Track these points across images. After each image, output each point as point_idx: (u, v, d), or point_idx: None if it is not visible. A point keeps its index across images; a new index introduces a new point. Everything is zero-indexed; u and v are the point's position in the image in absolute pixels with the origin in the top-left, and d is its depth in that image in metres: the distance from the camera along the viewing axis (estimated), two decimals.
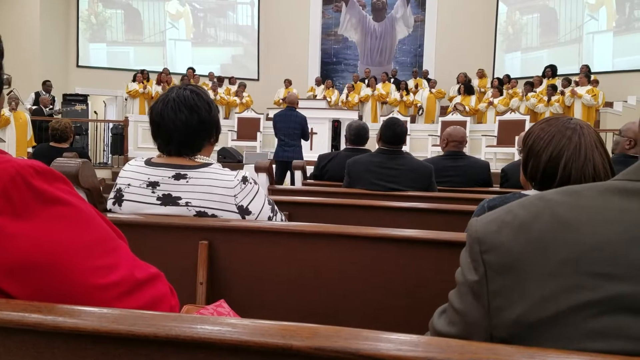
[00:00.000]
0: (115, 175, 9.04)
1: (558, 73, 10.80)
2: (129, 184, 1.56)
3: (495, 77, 11.82)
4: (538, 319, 0.54)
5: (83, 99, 11.93)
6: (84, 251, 0.72)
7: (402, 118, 10.44)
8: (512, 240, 0.59)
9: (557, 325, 0.54)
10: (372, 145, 3.47)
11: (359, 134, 3.92)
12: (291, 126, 6.67)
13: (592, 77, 9.87)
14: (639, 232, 0.53)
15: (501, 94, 10.72)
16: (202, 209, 1.51)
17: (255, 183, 1.60)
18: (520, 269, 0.57)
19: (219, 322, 0.59)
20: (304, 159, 5.61)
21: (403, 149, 3.26)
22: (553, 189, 0.63)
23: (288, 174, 6.59)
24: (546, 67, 10.97)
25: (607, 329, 0.51)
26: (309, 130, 7.09)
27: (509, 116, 9.94)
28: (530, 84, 10.41)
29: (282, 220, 1.71)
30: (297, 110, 6.81)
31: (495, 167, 9.05)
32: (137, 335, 0.60)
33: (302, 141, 6.84)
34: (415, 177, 3.06)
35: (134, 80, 11.54)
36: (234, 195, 1.52)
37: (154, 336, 0.59)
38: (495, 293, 0.58)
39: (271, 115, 8.21)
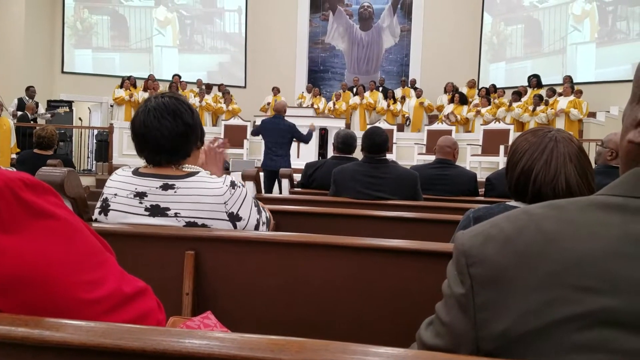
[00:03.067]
0: (99, 182, 8.95)
1: (543, 83, 10.94)
2: (115, 194, 1.54)
3: (482, 87, 11.94)
4: (523, 332, 0.55)
5: (68, 105, 11.82)
6: (72, 265, 0.71)
7: (388, 127, 10.55)
8: (498, 254, 0.60)
9: (543, 339, 0.54)
10: (360, 153, 3.48)
11: (346, 142, 3.93)
12: (279, 134, 6.62)
13: (576, 87, 10.02)
14: (622, 246, 0.54)
15: (489, 104, 10.84)
16: (192, 219, 1.50)
17: (243, 186, 1.60)
18: (505, 282, 0.58)
19: (207, 337, 0.59)
20: (292, 166, 5.61)
21: (389, 157, 3.29)
22: (538, 203, 0.64)
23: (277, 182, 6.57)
24: (531, 77, 11.10)
25: (592, 343, 0.52)
26: (307, 133, 7.00)
27: (493, 126, 10.05)
28: (518, 94, 10.53)
29: (267, 218, 1.70)
30: (285, 118, 6.77)
31: (480, 176, 9.11)
32: (124, 349, 0.60)
33: (290, 149, 6.81)
34: (400, 185, 3.07)
35: (121, 87, 11.46)
36: (224, 203, 1.52)
37: (142, 350, 0.59)
38: (482, 306, 0.59)
39: (259, 122, 8.18)
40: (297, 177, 4.20)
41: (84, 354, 0.62)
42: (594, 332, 0.52)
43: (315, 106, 11.61)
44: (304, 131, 7.02)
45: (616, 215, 0.57)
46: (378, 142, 3.14)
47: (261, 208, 1.69)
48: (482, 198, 3.60)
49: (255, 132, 7.05)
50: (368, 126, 11.08)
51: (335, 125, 9.06)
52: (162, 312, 0.87)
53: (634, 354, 0.51)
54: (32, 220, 0.69)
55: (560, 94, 9.96)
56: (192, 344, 0.58)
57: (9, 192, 0.68)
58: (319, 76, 14.27)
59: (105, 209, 1.55)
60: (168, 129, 1.50)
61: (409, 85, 12.52)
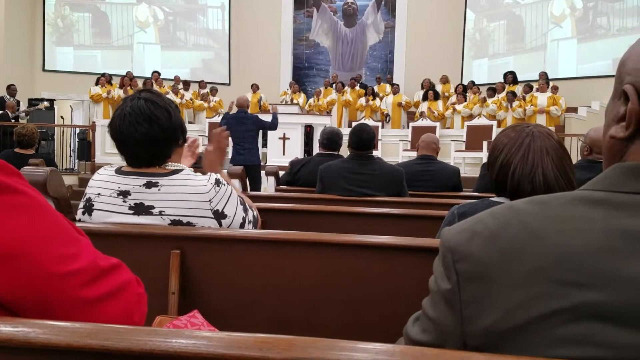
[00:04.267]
0: (82, 181, 8.84)
1: (524, 79, 11.05)
2: (99, 193, 1.53)
3: (459, 83, 12.02)
4: (509, 327, 0.56)
5: (50, 104, 11.65)
6: (45, 240, 0.71)
7: (374, 124, 10.57)
8: (483, 250, 0.60)
9: (528, 333, 0.55)
10: (346, 150, 3.50)
11: (332, 139, 3.93)
12: (244, 129, 6.63)
13: (551, 83, 10.14)
14: (606, 240, 0.55)
15: (465, 100, 10.92)
16: (177, 217, 1.49)
17: (227, 184, 1.59)
18: (491, 278, 0.58)
19: (195, 336, 0.59)
20: (277, 164, 5.59)
21: (374, 154, 3.30)
22: (523, 199, 0.65)
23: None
24: (507, 73, 11.20)
25: (577, 336, 0.53)
26: (272, 119, 6.95)
27: (476, 121, 10.14)
28: (493, 90, 10.64)
29: (254, 217, 1.69)
30: (249, 112, 6.75)
31: (464, 172, 9.19)
32: (110, 350, 0.60)
33: (272, 147, 6.79)
34: (387, 182, 3.10)
35: (96, 84, 11.32)
36: (209, 200, 1.51)
37: (128, 351, 0.59)
38: (468, 302, 0.59)
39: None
40: (283, 174, 4.20)
41: (70, 355, 0.61)
42: (579, 326, 0.53)
43: (295, 101, 11.60)
44: (290, 130, 7.02)
45: (599, 210, 0.58)
46: (365, 138, 3.15)
47: (248, 206, 1.68)
48: (467, 193, 3.63)
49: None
50: (344, 123, 11.13)
51: (320, 123, 9.05)
52: (142, 286, 0.86)
53: (620, 347, 0.51)
54: (1, 197, 0.69)
55: (537, 90, 10.09)
56: (180, 344, 0.58)
57: None
58: (304, 73, 14.25)
59: (89, 209, 1.54)
60: (144, 135, 1.48)
61: (385, 81, 12.56)
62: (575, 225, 0.57)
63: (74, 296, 0.73)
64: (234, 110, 7.06)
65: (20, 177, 0.74)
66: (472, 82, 11.71)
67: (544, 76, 10.42)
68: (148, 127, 1.48)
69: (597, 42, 11.29)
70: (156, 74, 12.06)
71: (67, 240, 0.75)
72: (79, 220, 1.55)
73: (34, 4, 12.88)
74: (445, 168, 3.80)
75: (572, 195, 0.61)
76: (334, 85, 12.28)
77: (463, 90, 11.25)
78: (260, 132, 7.43)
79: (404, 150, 10.12)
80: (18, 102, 10.30)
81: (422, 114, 10.96)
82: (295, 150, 8.81)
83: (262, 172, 5.69)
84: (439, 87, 11.99)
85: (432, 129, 9.72)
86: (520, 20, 12.53)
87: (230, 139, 6.84)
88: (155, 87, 10.82)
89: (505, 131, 1.51)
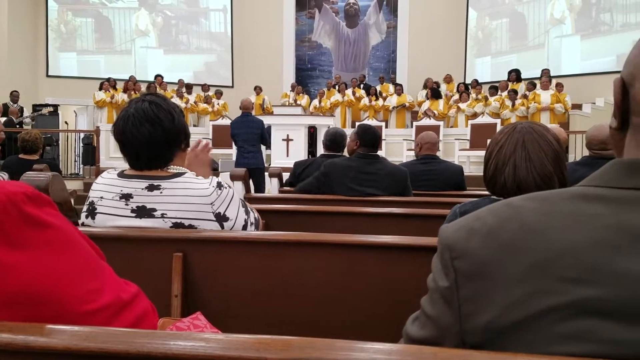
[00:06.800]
0: (87, 186, 8.87)
1: (528, 76, 11.01)
2: (101, 197, 1.53)
3: (461, 82, 11.98)
4: (508, 324, 0.55)
5: (53, 109, 11.70)
6: (75, 277, 0.72)
7: (376, 123, 10.56)
8: (481, 247, 0.60)
9: (527, 330, 0.54)
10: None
11: (335, 140, 3.93)
12: (249, 131, 6.65)
13: (555, 81, 10.10)
14: (605, 236, 0.55)
15: (468, 99, 10.89)
16: (179, 220, 1.49)
17: (229, 187, 1.59)
18: (489, 275, 0.58)
19: (192, 338, 0.59)
20: (281, 165, 5.59)
21: (379, 153, 3.32)
22: (521, 195, 0.65)
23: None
24: (510, 72, 11.17)
25: (576, 333, 0.52)
26: (270, 135, 7.03)
27: (480, 120, 10.11)
28: (495, 88, 10.60)
29: (256, 219, 1.69)
30: (254, 115, 6.80)
31: (469, 170, 9.17)
32: (109, 352, 0.60)
33: (276, 148, 6.82)
34: (392, 181, 3.11)
35: (100, 89, 11.36)
36: (211, 203, 1.51)
37: (126, 353, 0.59)
38: (466, 299, 0.59)
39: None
40: (286, 175, 4.20)
41: (69, 358, 0.61)
42: (578, 322, 0.52)
43: (299, 102, 11.60)
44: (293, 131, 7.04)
45: (598, 206, 0.57)
46: (371, 138, 3.18)
47: (249, 209, 1.68)
48: (470, 192, 3.63)
49: (232, 136, 7.05)
50: (348, 123, 11.12)
51: (324, 124, 9.04)
52: (156, 314, 0.87)
53: (619, 343, 0.51)
54: (36, 233, 0.69)
55: (540, 87, 10.06)
56: (177, 346, 0.58)
57: (13, 207, 0.67)
58: (307, 74, 14.25)
59: (92, 213, 1.54)
60: (146, 137, 1.48)
61: (389, 81, 12.55)
62: (574, 221, 0.57)
63: None
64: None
65: (51, 206, 0.74)
66: (476, 81, 11.69)
67: (547, 73, 10.39)
68: (151, 129, 1.48)
69: (600, 39, 11.24)
70: (159, 77, 12.09)
71: (93, 273, 0.75)
72: (82, 224, 1.56)
73: (37, 9, 12.94)
74: (449, 167, 3.81)
75: (571, 191, 0.61)
76: (337, 87, 12.28)
77: (465, 89, 11.22)
78: None
79: (408, 149, 10.09)
80: (21, 109, 10.35)
81: (425, 113, 10.94)
82: (299, 152, 8.80)
83: (266, 174, 5.71)
84: (443, 87, 11.97)
85: (436, 128, 9.70)
86: (522, 17, 12.49)
87: (233, 143, 6.88)
88: (160, 91, 10.85)
89: (500, 129, 1.54)
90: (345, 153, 3.86)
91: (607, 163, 0.62)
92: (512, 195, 1.42)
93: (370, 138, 3.18)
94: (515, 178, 1.40)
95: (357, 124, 7.19)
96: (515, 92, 10.10)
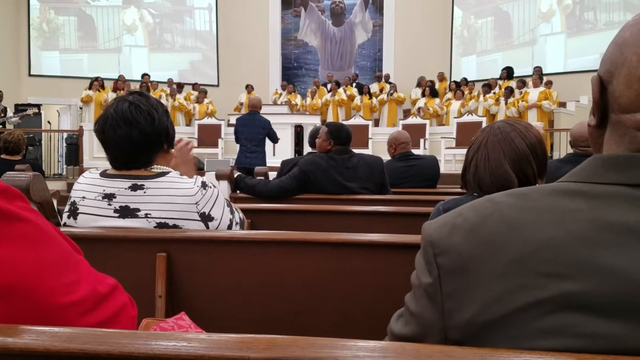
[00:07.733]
0: (70, 186, 8.74)
1: (513, 76, 11.11)
2: (83, 197, 1.51)
3: (452, 80, 12.06)
4: (489, 320, 0.56)
5: (36, 107, 11.54)
6: (49, 270, 0.71)
7: (364, 122, 10.60)
8: (463, 243, 0.60)
9: (508, 325, 0.55)
10: None
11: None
12: (255, 131, 6.52)
13: (545, 78, 10.20)
14: (584, 231, 0.55)
15: (463, 96, 10.96)
16: (163, 220, 1.48)
17: (214, 187, 1.58)
18: (471, 271, 0.58)
19: (175, 338, 0.58)
20: (268, 164, 5.58)
21: (365, 152, 3.35)
22: (503, 192, 0.65)
23: None
24: (503, 70, 11.28)
25: (557, 327, 0.53)
26: (276, 137, 6.96)
27: (466, 118, 10.18)
28: (488, 86, 10.68)
29: (241, 219, 1.69)
30: (260, 114, 6.70)
31: (455, 169, 9.24)
32: (89, 353, 0.59)
33: (265, 146, 6.75)
34: (371, 172, 3.19)
35: (89, 88, 11.24)
36: (196, 203, 1.50)
37: (107, 354, 0.58)
38: (449, 295, 0.59)
39: (233, 121, 8.05)
40: (273, 175, 4.18)
41: None
42: (559, 317, 0.53)
43: (293, 102, 11.58)
44: (280, 130, 6.99)
45: (579, 201, 0.58)
46: (345, 136, 3.24)
47: (234, 209, 1.67)
48: (453, 189, 3.68)
49: (235, 133, 6.90)
50: (325, 123, 11.14)
51: (310, 122, 9.06)
52: (135, 307, 0.86)
53: (600, 337, 0.51)
54: (6, 227, 0.68)
55: (524, 84, 10.16)
56: (159, 346, 0.57)
57: None
58: (293, 73, 14.24)
59: (74, 213, 1.52)
60: (123, 138, 1.46)
61: (385, 80, 12.62)
62: (554, 216, 0.57)
63: (73, 325, 0.72)
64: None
65: (23, 199, 0.73)
66: (465, 79, 11.76)
67: (538, 71, 10.48)
68: (127, 131, 1.46)
69: (584, 37, 11.37)
70: (147, 76, 12.00)
71: (68, 266, 0.74)
72: (65, 225, 1.54)
73: (19, 8, 12.77)
74: (425, 160, 3.93)
75: (552, 187, 0.62)
76: (328, 86, 12.28)
77: (457, 87, 11.30)
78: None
79: None
80: (5, 109, 10.20)
81: (418, 110, 10.99)
82: (286, 151, 8.80)
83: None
84: (436, 85, 12.06)
85: (422, 127, 9.76)
86: (507, 16, 12.59)
87: (235, 140, 6.78)
88: (150, 91, 10.76)
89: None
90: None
91: (588, 159, 0.63)
92: (478, 193, 1.44)
93: (344, 136, 3.24)
94: (476, 177, 1.43)
95: (324, 123, 7.13)
96: (511, 89, 10.18)
